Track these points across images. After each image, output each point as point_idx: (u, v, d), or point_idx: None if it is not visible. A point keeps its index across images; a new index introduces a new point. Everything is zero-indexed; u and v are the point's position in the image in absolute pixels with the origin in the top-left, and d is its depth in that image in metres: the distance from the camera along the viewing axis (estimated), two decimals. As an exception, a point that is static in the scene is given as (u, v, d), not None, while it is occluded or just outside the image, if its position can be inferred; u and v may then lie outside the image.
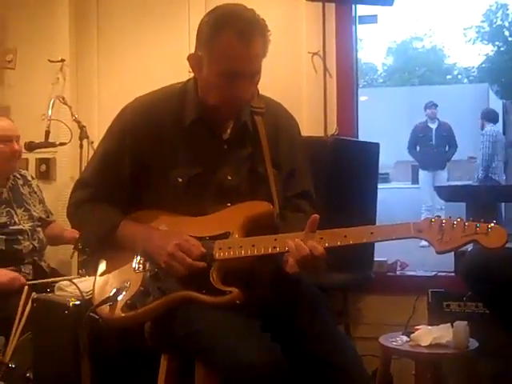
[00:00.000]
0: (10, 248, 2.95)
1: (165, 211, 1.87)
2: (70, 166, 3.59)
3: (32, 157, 3.59)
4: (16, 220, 3.02)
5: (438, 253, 1.59)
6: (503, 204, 7.24)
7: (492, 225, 1.54)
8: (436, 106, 8.77)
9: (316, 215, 1.70)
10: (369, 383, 1.82)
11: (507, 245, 1.55)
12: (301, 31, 3.38)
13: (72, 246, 3.19)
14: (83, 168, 2.76)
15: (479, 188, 5.78)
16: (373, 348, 2.80)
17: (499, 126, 9.32)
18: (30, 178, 3.25)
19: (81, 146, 3.33)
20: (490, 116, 8.34)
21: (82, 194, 1.94)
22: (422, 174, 8.66)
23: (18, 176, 3.18)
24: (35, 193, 3.22)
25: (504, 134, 9.67)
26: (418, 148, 8.67)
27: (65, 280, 2.58)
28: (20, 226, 3.01)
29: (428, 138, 8.56)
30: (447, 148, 8.53)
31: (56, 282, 2.58)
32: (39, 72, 3.68)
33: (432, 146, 8.48)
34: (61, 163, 3.66)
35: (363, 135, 3.48)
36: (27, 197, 3.16)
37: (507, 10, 24.37)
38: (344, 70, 3.36)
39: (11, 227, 2.98)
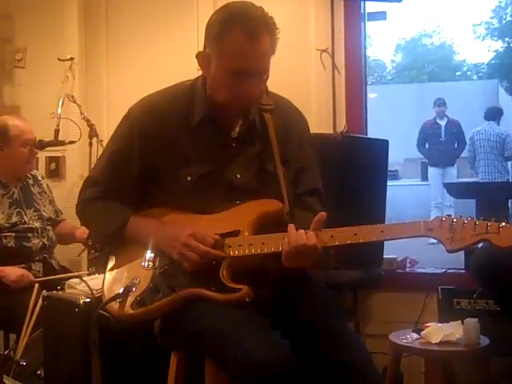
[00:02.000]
0: (19, 245, 2.96)
1: (174, 209, 1.87)
2: (79, 164, 3.60)
3: (42, 155, 3.59)
4: (26, 220, 3.03)
5: (449, 251, 1.59)
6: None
7: (503, 224, 1.54)
8: (445, 104, 8.73)
9: (323, 213, 1.70)
10: (379, 381, 1.80)
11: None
12: (309, 28, 3.38)
13: (81, 245, 3.20)
14: (92, 166, 2.77)
15: (489, 185, 5.75)
16: (383, 345, 2.80)
17: (505, 123, 9.25)
18: (40, 178, 3.26)
19: (90, 145, 3.33)
20: (488, 115, 8.33)
21: (91, 192, 1.94)
22: (431, 170, 8.62)
23: (29, 176, 3.19)
24: (45, 193, 3.23)
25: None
26: (426, 145, 8.64)
27: (73, 277, 2.59)
28: (30, 225, 3.03)
29: (437, 134, 8.53)
30: (456, 145, 8.51)
31: (64, 278, 2.59)
32: (49, 70, 3.69)
33: (441, 143, 8.45)
34: (70, 161, 3.68)
35: (372, 132, 3.47)
36: (37, 197, 3.17)
37: (517, 5, 24.23)
38: (353, 66, 3.35)
39: (21, 226, 3.00)
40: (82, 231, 3.10)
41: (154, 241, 1.84)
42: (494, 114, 8.33)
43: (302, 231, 1.68)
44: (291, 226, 1.71)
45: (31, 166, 3.17)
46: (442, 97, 8.93)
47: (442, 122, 8.60)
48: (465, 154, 8.54)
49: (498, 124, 8.29)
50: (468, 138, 8.19)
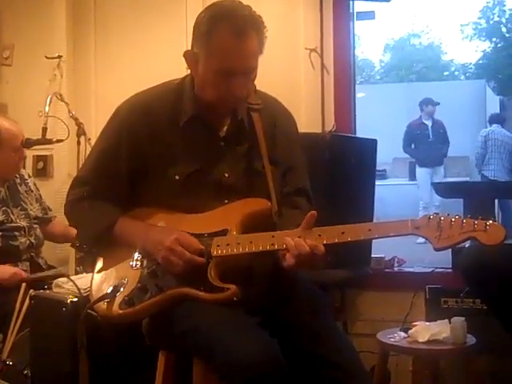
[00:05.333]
0: (6, 244, 2.94)
1: (163, 208, 1.87)
2: (67, 162, 3.59)
3: (29, 154, 3.56)
4: (13, 218, 3.02)
5: (436, 250, 1.59)
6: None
7: (490, 222, 1.54)
8: (437, 104, 8.75)
9: (314, 212, 1.70)
10: (366, 380, 1.81)
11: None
12: (298, 27, 3.38)
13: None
14: (80, 165, 2.76)
15: (477, 184, 5.78)
16: (370, 344, 2.81)
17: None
18: (26, 177, 3.24)
19: (78, 143, 3.31)
20: (493, 119, 8.55)
21: (79, 191, 1.94)
22: (420, 171, 8.61)
23: (16, 175, 3.18)
24: (32, 191, 3.22)
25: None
26: (413, 145, 8.66)
27: (61, 275, 2.58)
28: (17, 224, 3.01)
29: (425, 135, 8.56)
30: (441, 145, 8.58)
31: (56, 277, 2.57)
32: (36, 68, 3.66)
33: (430, 143, 8.49)
34: (58, 160, 3.66)
35: (360, 132, 3.48)
36: (24, 196, 3.15)
37: (504, 6, 24.36)
38: (341, 66, 3.36)
39: (8, 224, 2.98)
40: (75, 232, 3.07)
41: (141, 244, 1.83)
42: (498, 119, 8.62)
43: (301, 241, 1.66)
44: (289, 242, 1.68)
45: (19, 169, 3.15)
46: (430, 96, 8.96)
47: (429, 123, 8.64)
48: (459, 151, 8.61)
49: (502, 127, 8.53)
50: (480, 135, 8.34)
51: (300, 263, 1.67)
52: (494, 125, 8.33)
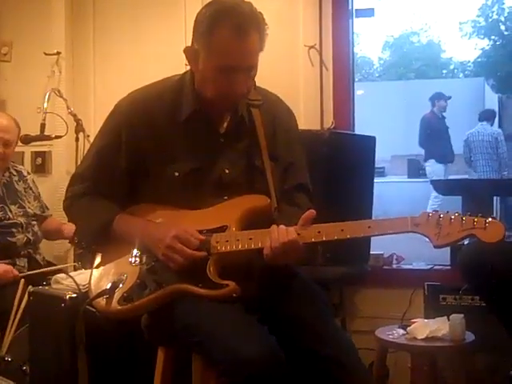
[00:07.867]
0: (3, 241, 2.95)
1: (162, 205, 1.87)
2: (65, 159, 3.58)
3: (27, 150, 3.58)
4: (10, 216, 3.01)
5: (436, 247, 1.60)
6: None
7: (490, 219, 1.54)
8: (449, 98, 8.65)
9: (313, 210, 1.70)
10: (365, 376, 1.81)
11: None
12: (297, 24, 3.37)
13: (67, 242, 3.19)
14: (79, 161, 2.76)
15: (475, 182, 5.79)
16: (369, 341, 2.81)
17: (495, 121, 9.35)
18: (25, 174, 3.24)
19: (77, 140, 3.31)
20: (482, 116, 8.48)
21: (78, 188, 1.93)
22: (438, 167, 8.27)
23: (14, 172, 3.17)
24: (31, 189, 3.21)
25: (500, 127, 9.69)
26: (430, 140, 8.44)
27: (58, 271, 2.58)
28: (14, 220, 3.01)
29: (443, 129, 8.41)
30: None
31: (49, 272, 2.57)
32: (35, 65, 3.66)
33: (449, 139, 8.42)
34: (57, 156, 3.65)
35: (359, 129, 3.48)
36: (22, 193, 3.15)
37: (503, 4, 24.35)
38: (340, 63, 3.36)
39: (5, 221, 2.98)
40: (70, 228, 3.07)
41: (140, 240, 1.83)
42: (487, 116, 8.50)
43: (283, 228, 1.69)
44: (274, 226, 1.71)
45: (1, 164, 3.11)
46: (428, 94, 8.92)
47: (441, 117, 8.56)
48: (457, 148, 8.54)
49: (492, 125, 8.43)
50: (463, 139, 8.25)
51: (276, 251, 1.67)
52: (483, 123, 8.25)
